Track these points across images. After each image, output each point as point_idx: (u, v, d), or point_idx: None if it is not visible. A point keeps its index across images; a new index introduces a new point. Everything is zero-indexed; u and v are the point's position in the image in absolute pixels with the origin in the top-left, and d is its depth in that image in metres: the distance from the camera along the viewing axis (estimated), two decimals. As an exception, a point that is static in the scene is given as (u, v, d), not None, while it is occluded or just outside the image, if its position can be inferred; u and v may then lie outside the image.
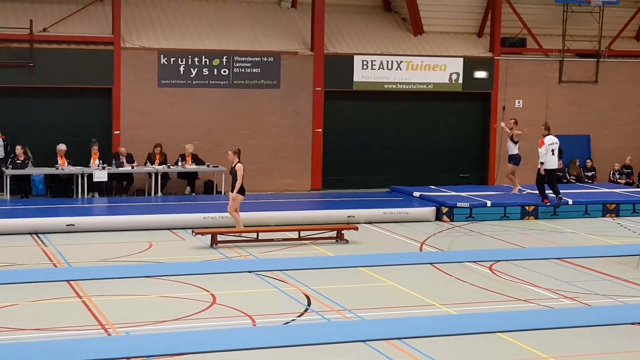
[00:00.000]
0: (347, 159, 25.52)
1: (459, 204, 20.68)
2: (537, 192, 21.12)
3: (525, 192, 22.23)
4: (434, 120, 26.22)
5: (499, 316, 12.22)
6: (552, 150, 20.56)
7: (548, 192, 20.83)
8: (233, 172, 17.63)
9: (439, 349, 10.72)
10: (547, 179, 20.69)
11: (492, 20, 26.27)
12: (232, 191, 17.56)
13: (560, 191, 20.97)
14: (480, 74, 26.07)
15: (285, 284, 13.91)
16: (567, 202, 21.33)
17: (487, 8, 26.42)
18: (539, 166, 20.53)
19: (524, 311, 12.59)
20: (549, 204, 20.83)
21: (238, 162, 17.59)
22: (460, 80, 25.89)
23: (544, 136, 20.62)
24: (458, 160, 26.42)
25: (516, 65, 26.44)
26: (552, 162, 20.63)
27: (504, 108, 26.35)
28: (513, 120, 22.00)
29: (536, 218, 20.88)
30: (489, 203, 20.88)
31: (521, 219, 20.84)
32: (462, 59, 25.89)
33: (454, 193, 22.10)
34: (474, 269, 15.35)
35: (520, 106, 26.50)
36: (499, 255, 16.50)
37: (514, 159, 21.98)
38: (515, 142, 21.80)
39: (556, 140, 20.78)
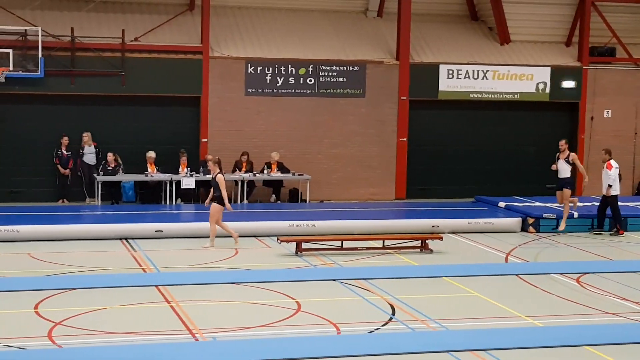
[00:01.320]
0: (431, 169, 25.47)
1: (545, 215, 20.45)
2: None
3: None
4: (520, 130, 25.99)
5: (587, 329, 12.05)
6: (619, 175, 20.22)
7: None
8: (214, 183, 17.69)
9: (525, 361, 10.65)
10: (613, 205, 20.05)
11: (580, 29, 25.95)
12: (219, 203, 17.56)
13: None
14: (568, 84, 25.77)
15: (369, 292, 13.95)
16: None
17: (575, 17, 26.12)
18: (605, 191, 19.96)
19: (612, 324, 12.39)
20: (623, 234, 20.08)
21: (219, 172, 17.66)
22: (548, 90, 25.63)
23: (607, 161, 20.10)
24: (544, 171, 26.05)
25: (605, 75, 26.06)
26: (618, 187, 20.11)
27: (592, 118, 26.00)
28: (565, 140, 20.62)
29: (625, 230, 20.50)
30: (576, 214, 20.59)
31: (609, 230, 20.47)
32: (549, 69, 25.63)
33: (540, 204, 21.86)
34: (560, 281, 15.17)
35: (609, 116, 26.11)
36: (586, 268, 16.28)
37: (569, 183, 20.32)
38: (570, 164, 20.23)
39: (617, 165, 20.37)
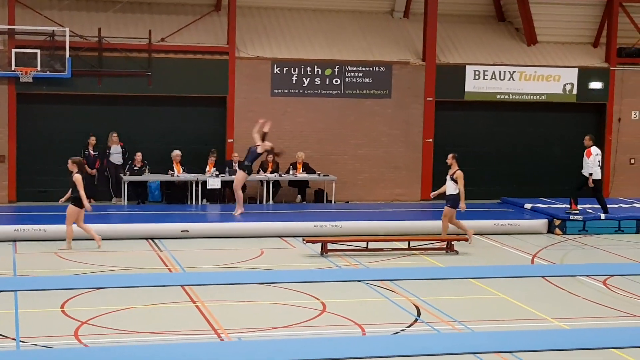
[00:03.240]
0: (457, 170, 25.35)
1: (571, 217, 20.35)
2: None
3: None
4: (547, 131, 25.84)
5: (614, 332, 11.98)
6: (599, 161, 20.30)
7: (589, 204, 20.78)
8: (72, 184, 17.06)
9: (551, 363, 10.60)
10: (593, 190, 20.38)
11: (608, 30, 25.77)
12: (76, 204, 16.90)
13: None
14: (595, 85, 25.60)
15: (394, 293, 13.94)
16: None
17: (603, 18, 25.93)
18: (587, 175, 20.27)
19: (639, 327, 12.31)
20: (577, 210, 20.43)
21: (76, 172, 17.02)
22: (575, 91, 25.47)
23: (590, 147, 20.26)
24: (571, 172, 25.91)
25: (632, 76, 25.84)
26: (598, 173, 20.31)
27: (619, 120, 25.80)
28: (451, 155, 18.48)
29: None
30: (602, 216, 20.48)
31: (636, 232, 20.34)
32: (576, 70, 25.47)
33: (566, 205, 21.73)
34: (587, 283, 15.09)
35: (637, 118, 25.91)
36: (613, 270, 16.17)
37: (452, 200, 18.21)
38: (455, 181, 18.17)
39: (599, 151, 20.52)
